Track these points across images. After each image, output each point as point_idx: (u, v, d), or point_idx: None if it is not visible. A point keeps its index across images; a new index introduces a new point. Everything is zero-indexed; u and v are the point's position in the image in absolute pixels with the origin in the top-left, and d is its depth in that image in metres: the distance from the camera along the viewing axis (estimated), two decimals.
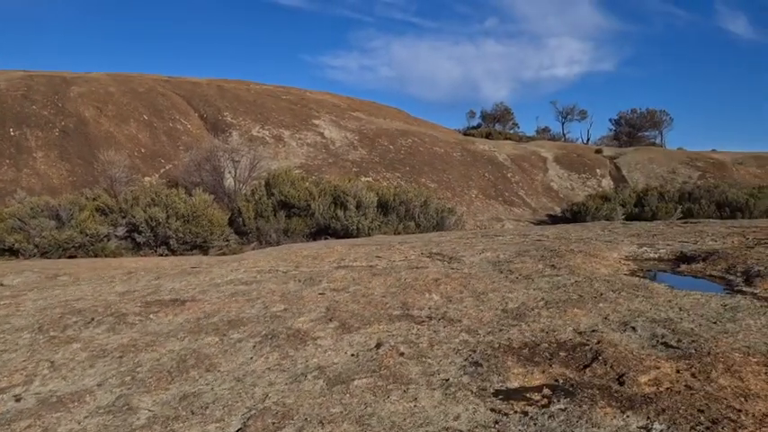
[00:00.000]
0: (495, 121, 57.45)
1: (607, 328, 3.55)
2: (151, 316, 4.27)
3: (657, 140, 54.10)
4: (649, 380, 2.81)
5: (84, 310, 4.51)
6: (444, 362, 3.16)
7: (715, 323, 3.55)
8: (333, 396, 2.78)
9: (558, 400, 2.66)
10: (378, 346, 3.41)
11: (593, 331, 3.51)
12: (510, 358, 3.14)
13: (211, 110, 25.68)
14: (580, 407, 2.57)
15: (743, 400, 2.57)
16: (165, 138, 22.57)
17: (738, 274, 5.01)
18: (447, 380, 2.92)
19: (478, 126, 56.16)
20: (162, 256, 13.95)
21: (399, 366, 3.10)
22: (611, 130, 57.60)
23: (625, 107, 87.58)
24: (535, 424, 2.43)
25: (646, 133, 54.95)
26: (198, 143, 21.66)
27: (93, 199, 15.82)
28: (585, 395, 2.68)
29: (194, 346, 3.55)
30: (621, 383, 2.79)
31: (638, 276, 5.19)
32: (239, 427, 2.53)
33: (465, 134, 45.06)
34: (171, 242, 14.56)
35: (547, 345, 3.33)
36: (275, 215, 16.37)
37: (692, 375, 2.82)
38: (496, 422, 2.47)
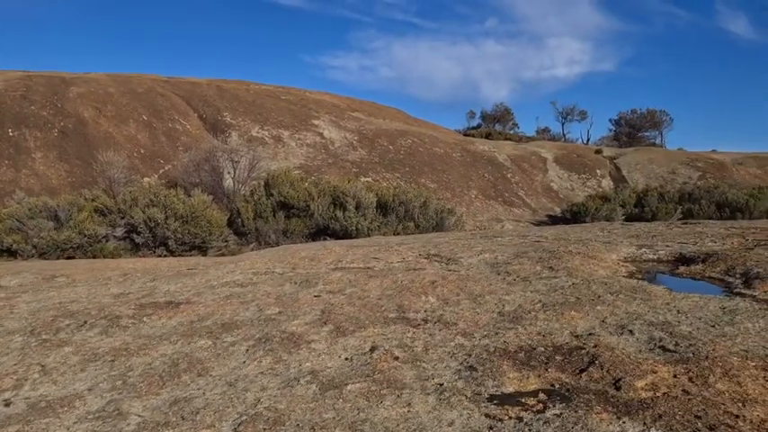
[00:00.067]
0: (495, 122, 57.40)
1: (604, 332, 3.52)
2: (144, 319, 4.23)
3: (657, 141, 54.07)
4: (646, 384, 2.77)
5: (78, 312, 4.47)
6: (439, 366, 3.13)
7: (713, 326, 3.52)
8: (325, 401, 2.75)
9: (554, 406, 2.62)
10: (372, 349, 3.37)
11: (590, 335, 3.48)
12: (505, 362, 3.11)
13: (211, 110, 25.65)
14: (576, 412, 2.53)
15: (741, 405, 2.53)
16: (165, 138, 22.53)
17: (737, 276, 4.98)
18: (441, 384, 2.88)
19: (478, 126, 56.12)
20: (160, 257, 13.91)
21: (394, 371, 3.06)
22: (611, 130, 57.60)
23: (625, 107, 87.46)
24: (530, 430, 2.40)
25: (646, 134, 54.92)
26: (197, 144, 21.63)
27: (92, 199, 15.78)
28: (581, 400, 2.65)
29: (187, 350, 3.51)
30: (618, 388, 2.75)
31: (637, 278, 5.16)
32: None
33: (465, 134, 45.03)
34: (169, 243, 14.52)
35: (543, 348, 3.29)
36: (274, 216, 16.34)
37: (690, 380, 2.79)
38: (491, 428, 2.44)
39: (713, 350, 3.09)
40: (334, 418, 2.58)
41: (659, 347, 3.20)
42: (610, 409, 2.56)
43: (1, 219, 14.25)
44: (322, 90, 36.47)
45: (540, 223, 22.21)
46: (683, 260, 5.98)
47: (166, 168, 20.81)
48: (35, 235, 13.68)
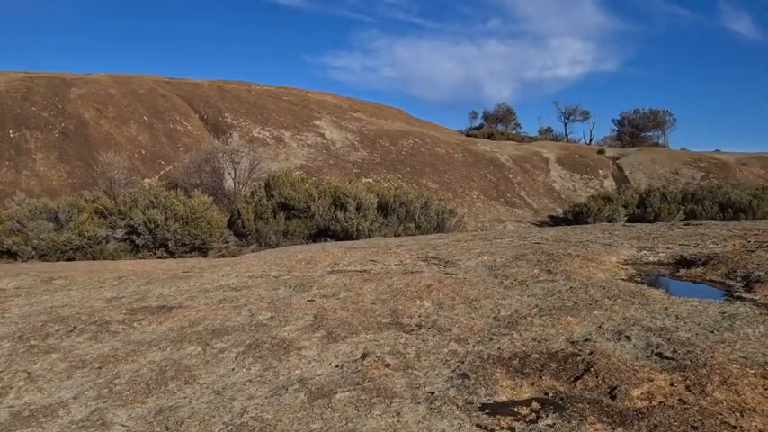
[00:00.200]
0: (497, 122, 57.28)
1: (601, 338, 3.45)
2: (135, 324, 4.18)
3: (660, 141, 53.89)
4: (642, 393, 2.70)
5: (68, 317, 4.42)
6: (431, 373, 3.06)
7: (712, 332, 3.44)
8: (313, 410, 2.69)
9: (547, 415, 2.56)
10: (364, 356, 3.31)
11: (587, 340, 3.41)
12: (499, 370, 3.04)
13: (212, 111, 25.62)
14: (569, 422, 2.47)
15: (738, 415, 2.46)
16: (166, 139, 22.51)
17: (738, 279, 4.90)
18: (433, 393, 2.82)
19: (480, 127, 56.00)
20: (160, 258, 13.88)
21: (384, 378, 3.00)
22: (613, 130, 57.41)
23: (628, 107, 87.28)
24: None
25: (649, 134, 54.74)
26: (198, 144, 21.60)
27: (93, 201, 15.75)
28: (575, 409, 2.58)
29: (175, 357, 3.46)
30: (613, 397, 2.69)
31: (636, 282, 5.09)
32: None
33: (467, 135, 44.95)
34: (169, 244, 14.49)
35: (538, 355, 3.23)
36: (275, 217, 16.29)
37: (687, 388, 2.72)
38: None
39: (711, 357, 3.02)
40: (321, 428, 2.52)
41: (656, 354, 3.13)
42: (604, 419, 2.49)
43: (1, 220, 14.24)
44: (324, 90, 36.49)
45: (541, 224, 22.13)
46: (684, 263, 5.90)
47: (167, 169, 20.78)
48: (35, 236, 13.65)
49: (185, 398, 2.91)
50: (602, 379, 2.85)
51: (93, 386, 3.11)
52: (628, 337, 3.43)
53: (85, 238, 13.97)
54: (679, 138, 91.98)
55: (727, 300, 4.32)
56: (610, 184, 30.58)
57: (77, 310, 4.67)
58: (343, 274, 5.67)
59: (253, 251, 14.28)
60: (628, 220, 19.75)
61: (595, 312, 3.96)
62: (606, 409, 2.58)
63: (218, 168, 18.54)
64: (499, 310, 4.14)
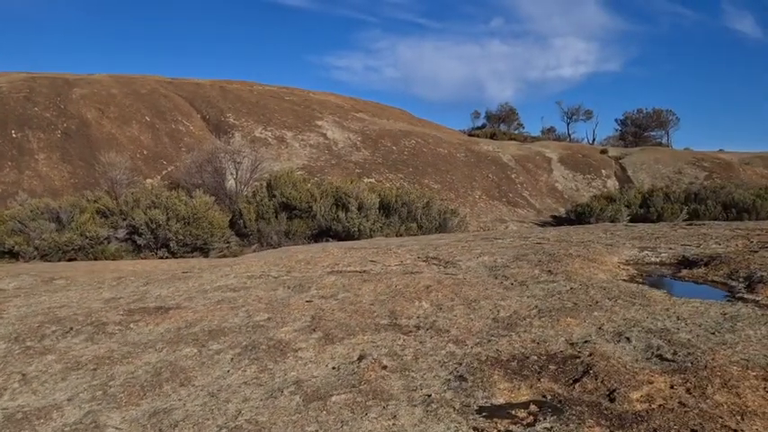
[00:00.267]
0: (499, 122, 57.21)
1: (600, 339, 3.41)
2: (132, 325, 4.15)
3: (664, 140, 53.75)
4: (641, 396, 2.67)
5: (65, 318, 4.39)
6: (428, 376, 3.03)
7: (713, 333, 3.40)
8: (309, 413, 2.66)
9: (545, 418, 2.53)
10: (360, 358, 3.28)
11: (586, 342, 3.37)
12: (497, 372, 3.01)
13: (214, 111, 25.62)
14: (567, 425, 2.44)
15: (739, 418, 2.43)
16: (168, 139, 22.51)
17: (740, 280, 4.86)
18: (429, 395, 2.79)
19: (483, 126, 55.94)
20: (162, 258, 13.87)
21: (381, 381, 2.97)
22: (616, 130, 57.31)
23: (631, 107, 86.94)
24: None
25: (652, 133, 54.61)
26: (200, 145, 21.60)
27: (94, 201, 15.76)
28: (574, 413, 2.55)
29: (171, 358, 3.43)
30: (612, 400, 2.65)
31: (637, 282, 5.05)
32: None
33: (469, 135, 44.89)
34: (171, 244, 14.47)
35: (536, 357, 3.19)
36: (276, 217, 16.27)
37: (687, 391, 2.68)
38: None
39: (712, 359, 2.98)
40: (316, 431, 2.49)
41: (656, 356, 3.10)
42: (603, 422, 2.46)
43: (3, 220, 14.25)
44: (326, 90, 36.47)
45: (544, 224, 22.07)
46: (686, 263, 5.86)
47: (169, 169, 20.79)
48: (37, 237, 13.66)
49: (180, 400, 2.88)
50: (602, 381, 2.82)
51: (87, 388, 3.08)
52: (628, 338, 3.40)
53: (87, 238, 13.97)
54: (682, 137, 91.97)
55: (728, 301, 4.28)
56: (613, 184, 30.50)
57: (75, 311, 4.64)
58: (343, 275, 5.64)
59: (254, 251, 14.26)
60: (631, 220, 19.68)
61: (595, 313, 3.92)
62: (605, 412, 2.54)
63: (220, 168, 18.53)
64: (498, 312, 4.10)
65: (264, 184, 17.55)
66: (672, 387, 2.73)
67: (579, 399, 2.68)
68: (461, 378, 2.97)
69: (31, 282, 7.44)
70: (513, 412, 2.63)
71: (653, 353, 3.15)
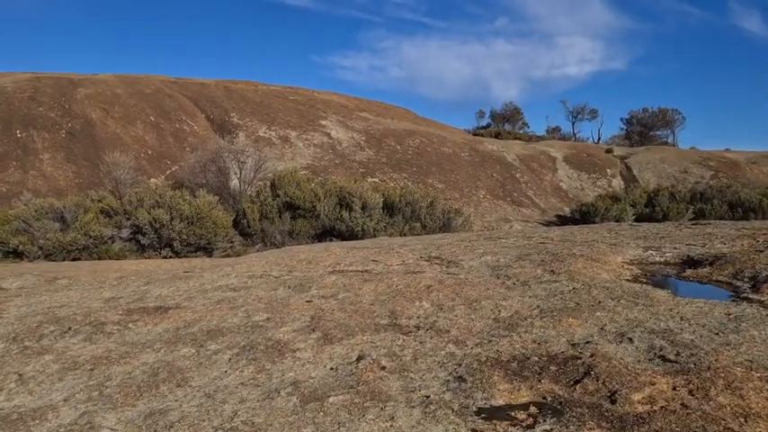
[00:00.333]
0: (504, 121, 57.09)
1: (602, 340, 3.36)
2: (130, 325, 4.13)
3: (670, 140, 53.53)
4: (643, 398, 2.62)
5: (64, 318, 4.38)
6: (427, 376, 3.00)
7: (717, 334, 3.36)
8: (305, 414, 2.62)
9: (545, 420, 2.49)
10: (359, 359, 3.24)
11: (588, 343, 3.33)
12: (497, 373, 2.97)
13: (218, 111, 25.63)
14: (567, 427, 2.40)
15: (742, 420, 2.38)
16: (172, 139, 22.54)
17: (746, 280, 4.81)
18: (428, 397, 2.75)
19: (488, 126, 55.85)
20: (165, 258, 13.87)
21: (379, 381, 2.93)
22: (622, 129, 57.13)
23: (637, 106, 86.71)
24: None
25: (658, 132, 54.37)
26: (204, 144, 21.61)
27: (98, 201, 15.78)
28: (574, 414, 2.51)
29: (169, 359, 3.40)
30: (613, 402, 2.61)
31: (641, 282, 5.00)
32: None
33: (474, 134, 44.81)
34: (175, 244, 14.47)
35: (537, 358, 3.15)
36: (280, 217, 16.26)
37: (690, 393, 2.64)
38: None
39: (716, 360, 2.93)
40: None
41: (659, 357, 3.05)
42: (603, 424, 2.42)
43: (7, 220, 14.27)
44: (331, 90, 36.44)
45: (548, 223, 22.00)
46: (691, 263, 5.81)
47: (173, 169, 20.80)
48: (41, 236, 13.68)
49: (176, 401, 2.85)
50: (603, 383, 2.78)
51: (84, 388, 3.06)
52: (630, 339, 3.35)
53: (91, 237, 13.98)
54: (688, 137, 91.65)
55: (733, 301, 4.23)
56: (618, 184, 30.38)
57: (74, 311, 4.63)
58: (344, 275, 5.60)
59: (258, 251, 14.24)
60: (636, 220, 19.59)
61: (598, 314, 3.87)
62: (606, 413, 2.50)
63: (224, 168, 18.53)
64: (500, 312, 4.06)
65: (268, 183, 17.54)
66: (674, 389, 2.69)
67: (580, 400, 2.64)
68: (461, 379, 2.93)
69: (34, 281, 7.45)
70: (513, 414, 2.59)
71: (655, 354, 3.10)
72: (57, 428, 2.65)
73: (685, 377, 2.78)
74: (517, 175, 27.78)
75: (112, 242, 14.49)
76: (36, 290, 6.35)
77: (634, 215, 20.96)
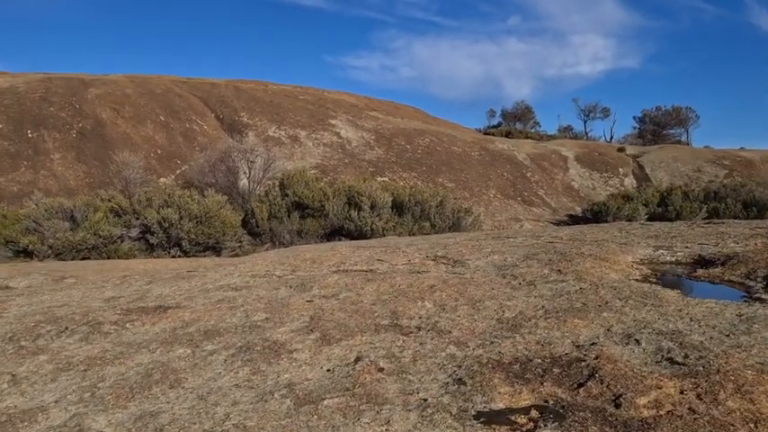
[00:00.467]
0: (515, 120, 56.81)
1: (608, 341, 3.26)
2: (128, 325, 4.07)
3: (683, 138, 53.01)
4: (649, 402, 2.52)
5: (62, 318, 4.33)
6: (426, 379, 2.91)
7: (728, 336, 3.24)
8: (299, 417, 2.55)
9: (546, 425, 2.40)
10: (357, 360, 3.16)
11: (593, 344, 3.23)
12: (498, 375, 2.88)
13: (228, 110, 25.67)
14: None
15: (752, 426, 2.28)
16: (182, 139, 22.58)
17: (759, 280, 4.69)
18: (425, 400, 2.67)
19: (499, 125, 55.58)
20: (174, 257, 13.87)
21: (376, 384, 2.85)
22: (634, 128, 56.66)
23: (650, 104, 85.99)
24: None
25: (671, 131, 53.89)
26: (214, 144, 21.64)
27: (108, 200, 15.82)
28: (576, 419, 2.41)
29: (164, 359, 3.34)
30: (618, 406, 2.51)
31: (650, 282, 4.88)
32: None
33: (485, 133, 44.61)
34: (183, 243, 14.48)
35: (540, 360, 3.06)
36: (289, 216, 16.23)
37: (698, 397, 2.53)
38: None
39: (726, 363, 2.82)
40: None
41: (667, 359, 2.95)
42: (607, 429, 2.32)
43: (18, 219, 14.35)
44: (342, 90, 36.40)
45: (559, 223, 21.82)
46: (702, 262, 5.68)
47: (183, 169, 20.84)
48: (51, 236, 13.72)
49: (168, 403, 2.79)
50: (607, 386, 2.68)
51: (76, 389, 3.00)
52: (637, 340, 3.25)
53: (100, 237, 14.01)
54: (702, 135, 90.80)
55: (745, 301, 4.11)
56: (630, 183, 30.11)
57: (73, 310, 4.58)
58: (347, 274, 5.53)
59: (267, 250, 14.21)
60: (648, 219, 19.39)
61: (604, 314, 3.77)
62: (609, 418, 2.41)
63: (233, 167, 18.55)
64: (503, 312, 3.97)
65: (277, 183, 17.52)
66: (682, 392, 2.59)
67: (583, 404, 2.55)
68: (460, 381, 2.84)
69: (41, 280, 7.44)
70: (513, 418, 2.50)
71: (663, 356, 3.00)
72: (45, 431, 2.59)
73: (693, 380, 2.67)
74: (528, 175, 27.59)
75: (121, 241, 14.52)
76: (40, 289, 6.34)
77: (646, 214, 20.74)
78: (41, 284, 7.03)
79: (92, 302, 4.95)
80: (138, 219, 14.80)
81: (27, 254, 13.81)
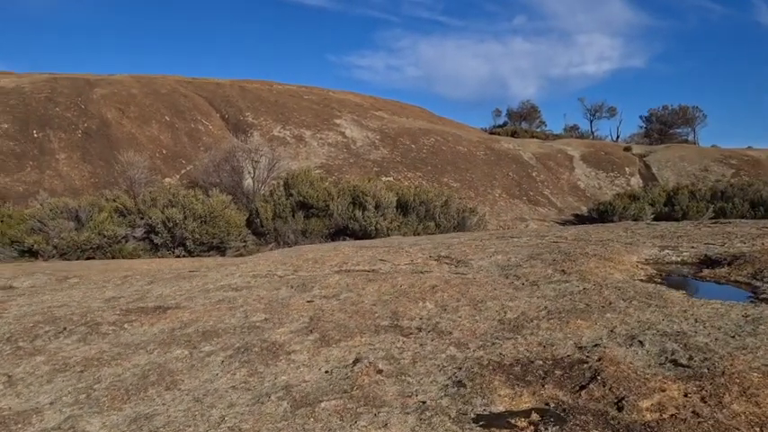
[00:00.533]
0: (521, 120, 56.62)
1: (611, 343, 3.21)
2: (126, 325, 4.04)
3: (690, 138, 52.71)
4: (652, 405, 2.47)
5: (60, 318, 4.30)
6: (425, 381, 2.86)
7: (733, 337, 3.18)
8: (295, 420, 2.51)
9: (546, 428, 2.35)
10: (355, 361, 3.12)
11: (596, 346, 3.17)
12: (498, 377, 2.83)
13: (233, 110, 25.68)
14: None
15: (758, 430, 2.23)
16: (187, 139, 22.59)
17: (765, 280, 4.63)
18: (424, 402, 2.62)
19: (504, 125, 55.41)
20: (178, 257, 13.86)
21: (375, 386, 2.81)
22: (641, 127, 56.35)
23: (656, 104, 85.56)
24: None
25: (678, 130, 53.58)
26: (219, 144, 21.64)
27: (113, 200, 15.83)
28: (577, 422, 2.36)
29: (161, 360, 3.31)
30: (620, 409, 2.46)
31: (655, 283, 4.82)
32: None
33: (491, 133, 44.50)
34: (188, 243, 14.47)
35: (542, 362, 3.01)
36: (293, 216, 16.20)
37: (702, 400, 2.48)
38: None
39: (731, 365, 2.77)
40: None
41: (671, 361, 2.89)
42: None
43: (23, 219, 14.37)
44: (347, 90, 36.37)
45: (565, 223, 21.72)
46: (708, 262, 5.61)
47: (188, 169, 20.85)
48: (56, 236, 13.74)
49: (164, 405, 2.75)
50: (610, 388, 2.63)
51: (72, 391, 2.97)
52: (641, 342, 3.19)
53: (105, 237, 14.01)
54: (709, 135, 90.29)
55: (752, 302, 4.04)
56: (636, 182, 29.95)
57: (72, 311, 4.56)
58: (348, 274, 5.48)
59: (271, 250, 14.18)
60: (655, 219, 19.27)
61: (608, 315, 3.71)
62: (611, 422, 2.36)
63: (238, 167, 18.52)
64: (505, 313, 3.92)
65: (282, 182, 17.49)
66: (686, 395, 2.53)
67: (585, 407, 2.50)
68: (460, 384, 2.80)
69: (44, 280, 7.42)
70: (513, 421, 2.45)
71: (667, 358, 2.94)
72: None
73: (698, 383, 2.62)
74: (533, 174, 27.49)
75: (126, 241, 14.52)
76: (42, 289, 6.32)
77: (653, 214, 20.61)
78: (44, 284, 7.01)
79: (92, 303, 4.93)
80: (142, 219, 14.80)
81: (32, 254, 13.82)
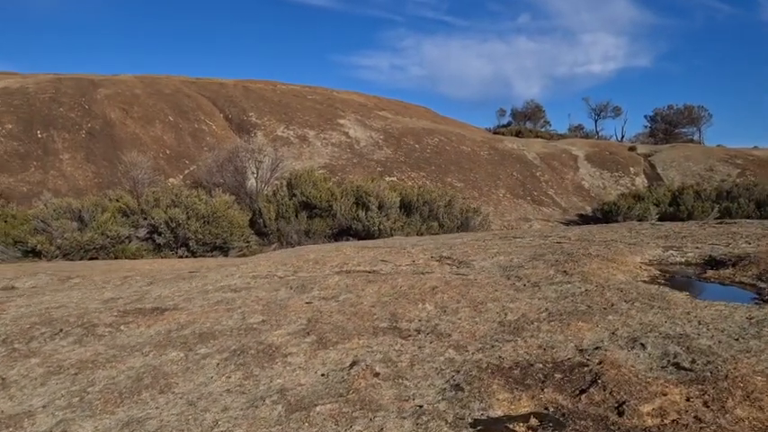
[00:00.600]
0: (525, 119, 56.50)
1: (613, 346, 3.15)
2: (122, 327, 4.01)
3: (695, 137, 52.47)
4: (653, 409, 2.42)
5: (57, 319, 4.27)
6: (423, 384, 2.82)
7: (737, 340, 3.13)
8: (289, 425, 2.46)
9: None
10: (352, 364, 3.07)
11: (597, 349, 3.12)
12: (497, 381, 2.78)
13: (236, 110, 25.67)
14: None
15: None
16: (190, 139, 22.60)
17: None
18: (421, 406, 2.57)
19: (509, 124, 55.30)
20: (181, 257, 13.85)
21: (371, 389, 2.76)
22: (646, 127, 56.13)
23: (662, 103, 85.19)
24: None
25: (683, 130, 53.35)
26: (222, 144, 21.63)
27: (116, 200, 15.84)
28: (577, 427, 2.32)
29: (156, 363, 3.27)
30: (620, 414, 2.41)
31: (659, 284, 4.75)
32: None
33: (495, 133, 44.41)
34: (191, 243, 14.45)
35: (542, 365, 2.96)
36: (297, 216, 16.18)
37: (705, 404, 2.43)
38: None
39: (734, 368, 2.71)
40: None
41: (673, 365, 2.84)
42: None
43: (26, 220, 14.40)
44: (351, 90, 36.34)
45: (569, 223, 21.64)
46: (713, 263, 5.55)
47: (191, 169, 20.85)
48: (59, 236, 13.74)
49: (157, 408, 2.71)
50: (610, 392, 2.58)
51: (65, 394, 2.94)
52: (643, 345, 3.14)
53: (108, 237, 14.01)
54: (715, 134, 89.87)
55: (756, 304, 3.98)
56: (641, 182, 29.81)
57: (70, 312, 4.53)
58: (348, 275, 5.44)
59: (275, 250, 14.16)
60: (659, 219, 19.18)
61: (610, 317, 3.66)
62: (612, 426, 2.31)
63: (241, 167, 18.51)
64: (506, 315, 3.87)
65: (285, 183, 17.47)
66: (688, 399, 2.48)
67: (584, 411, 2.45)
68: (458, 387, 2.75)
69: (47, 281, 7.41)
70: (511, 426, 2.40)
71: (669, 361, 2.89)
72: None
73: (700, 387, 2.57)
74: (537, 174, 27.40)
75: (129, 241, 14.52)
76: (43, 290, 6.30)
77: (657, 214, 20.51)
78: (46, 285, 6.99)
79: (89, 304, 4.90)
80: (145, 219, 14.79)
81: (35, 254, 13.84)
